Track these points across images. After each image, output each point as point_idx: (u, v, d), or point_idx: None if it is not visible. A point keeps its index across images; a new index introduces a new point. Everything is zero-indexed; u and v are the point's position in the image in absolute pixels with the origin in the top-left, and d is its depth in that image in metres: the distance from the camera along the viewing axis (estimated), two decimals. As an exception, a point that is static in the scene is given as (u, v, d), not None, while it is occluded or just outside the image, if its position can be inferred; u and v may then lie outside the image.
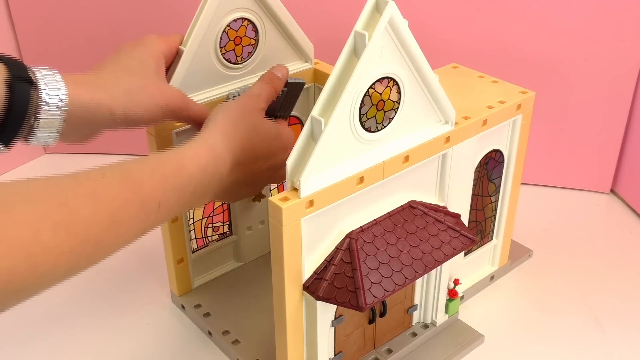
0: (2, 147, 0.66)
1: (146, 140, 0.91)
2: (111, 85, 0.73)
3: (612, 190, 1.28)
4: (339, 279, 0.76)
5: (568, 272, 1.09)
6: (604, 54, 1.14)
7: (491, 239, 1.04)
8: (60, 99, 0.66)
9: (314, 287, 0.77)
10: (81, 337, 0.97)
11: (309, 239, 0.75)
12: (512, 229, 1.05)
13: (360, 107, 0.73)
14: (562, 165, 1.26)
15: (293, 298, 0.77)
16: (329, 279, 0.76)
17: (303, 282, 0.77)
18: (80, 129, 0.73)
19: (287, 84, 0.86)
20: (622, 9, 1.09)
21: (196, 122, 0.81)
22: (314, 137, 0.71)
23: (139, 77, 0.76)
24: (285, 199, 0.71)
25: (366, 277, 0.76)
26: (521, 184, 1.01)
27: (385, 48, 0.72)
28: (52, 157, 1.42)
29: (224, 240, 1.04)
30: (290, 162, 0.71)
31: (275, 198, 0.71)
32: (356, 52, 0.71)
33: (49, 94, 0.66)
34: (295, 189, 0.72)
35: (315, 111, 0.71)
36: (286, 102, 0.87)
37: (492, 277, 1.06)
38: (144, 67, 0.77)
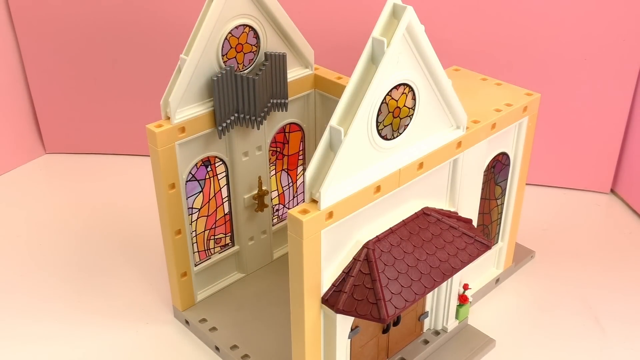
0: None
1: (146, 139, 0.88)
2: None
3: (612, 190, 1.28)
4: (359, 291, 0.74)
5: (568, 273, 1.08)
6: (604, 54, 1.14)
7: (496, 242, 1.03)
8: None
9: (333, 300, 0.75)
10: (80, 359, 0.94)
11: (327, 250, 0.74)
12: (517, 231, 1.05)
13: (378, 115, 0.71)
14: (562, 165, 1.26)
15: (312, 312, 0.75)
16: (348, 291, 0.75)
17: (321, 295, 0.75)
18: None
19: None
20: (622, 9, 1.09)
21: None
22: (332, 147, 0.70)
23: None
24: (305, 211, 0.69)
25: (386, 287, 0.74)
26: (524, 185, 1.01)
27: (402, 54, 0.70)
28: (52, 157, 1.40)
29: (226, 252, 1.02)
30: (309, 173, 0.69)
31: (294, 211, 0.69)
32: (374, 60, 0.69)
33: None
34: (315, 201, 0.70)
35: (334, 121, 0.69)
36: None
37: (497, 280, 1.06)
38: None
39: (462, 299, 0.94)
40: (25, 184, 1.32)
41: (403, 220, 0.80)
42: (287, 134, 1.02)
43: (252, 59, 0.91)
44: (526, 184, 1.26)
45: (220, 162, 0.95)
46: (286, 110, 0.96)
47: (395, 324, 0.88)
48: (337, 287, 0.75)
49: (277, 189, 1.05)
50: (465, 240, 0.82)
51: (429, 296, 0.92)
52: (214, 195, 0.96)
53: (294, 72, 0.97)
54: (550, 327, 0.98)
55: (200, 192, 0.94)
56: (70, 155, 1.40)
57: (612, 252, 1.13)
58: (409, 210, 0.81)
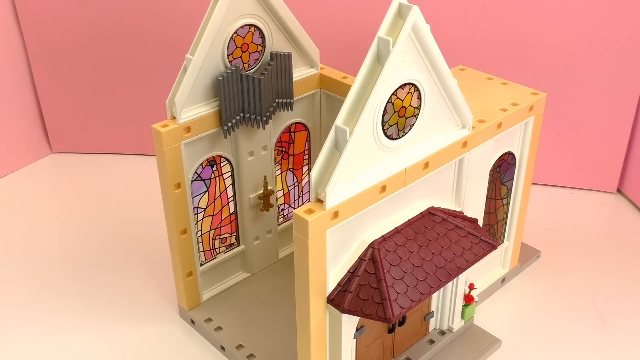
0: None
1: (152, 138, 0.88)
2: None
3: (618, 190, 1.27)
4: (364, 291, 0.74)
5: (574, 273, 1.08)
6: (610, 53, 1.13)
7: (502, 242, 1.03)
8: None
9: (339, 299, 0.75)
10: (87, 358, 0.95)
11: (333, 250, 0.74)
12: (523, 231, 1.05)
13: (383, 115, 0.71)
14: (568, 165, 1.25)
15: (317, 312, 0.75)
16: (354, 290, 0.75)
17: (327, 295, 0.75)
18: None
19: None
20: (628, 7, 1.09)
21: None
22: (338, 147, 0.70)
23: None
24: (310, 211, 0.69)
25: (392, 287, 0.74)
26: (530, 184, 1.01)
27: (407, 54, 0.70)
28: (58, 156, 1.40)
29: (231, 252, 1.02)
30: (314, 173, 0.69)
31: (299, 211, 0.69)
32: (379, 59, 0.69)
33: None
34: (320, 201, 0.70)
35: (339, 120, 0.69)
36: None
37: (503, 280, 1.05)
38: None
39: (468, 299, 0.94)
40: (31, 184, 1.32)
41: (409, 220, 0.80)
42: (292, 134, 1.02)
43: (258, 59, 0.91)
44: (532, 184, 1.26)
45: (226, 162, 0.95)
46: (291, 110, 0.96)
47: (401, 323, 0.88)
48: (343, 286, 0.75)
49: (283, 189, 1.05)
50: (471, 240, 0.82)
51: (434, 296, 0.92)
52: (220, 195, 0.97)
53: (300, 72, 0.97)
54: (556, 327, 0.98)
55: (205, 191, 0.94)
56: (77, 155, 1.41)
57: (618, 252, 1.13)
58: (415, 210, 0.81)
